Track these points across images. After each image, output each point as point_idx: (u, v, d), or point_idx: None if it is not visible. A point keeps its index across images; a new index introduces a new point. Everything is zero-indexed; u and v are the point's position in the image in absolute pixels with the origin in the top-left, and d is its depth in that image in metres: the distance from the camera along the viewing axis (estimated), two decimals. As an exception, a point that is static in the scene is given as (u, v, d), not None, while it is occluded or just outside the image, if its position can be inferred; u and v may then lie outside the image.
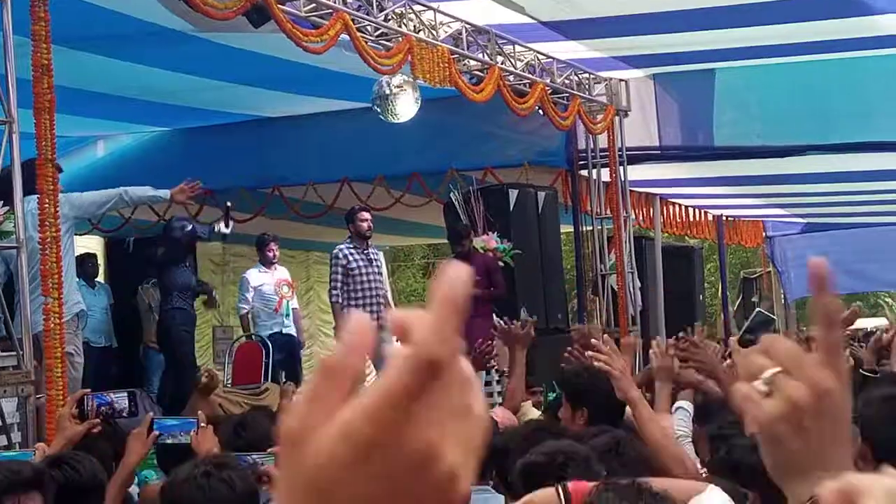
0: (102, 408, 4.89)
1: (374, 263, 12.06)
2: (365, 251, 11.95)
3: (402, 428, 0.86)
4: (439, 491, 0.88)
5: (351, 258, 11.80)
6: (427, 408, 0.86)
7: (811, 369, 1.35)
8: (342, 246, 11.94)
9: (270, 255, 13.17)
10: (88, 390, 5.19)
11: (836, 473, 1.29)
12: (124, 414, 4.97)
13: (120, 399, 4.97)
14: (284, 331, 12.99)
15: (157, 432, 4.60)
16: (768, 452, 1.40)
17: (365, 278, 11.84)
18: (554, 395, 10.92)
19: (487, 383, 11.23)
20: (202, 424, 4.70)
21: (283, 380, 11.20)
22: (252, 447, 4.75)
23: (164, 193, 9.71)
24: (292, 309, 13.32)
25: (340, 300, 11.79)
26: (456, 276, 0.87)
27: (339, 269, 11.80)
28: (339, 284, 11.80)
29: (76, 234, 9.31)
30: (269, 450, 4.60)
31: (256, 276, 13.17)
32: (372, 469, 0.86)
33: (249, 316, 13.10)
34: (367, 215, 12.08)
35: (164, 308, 11.94)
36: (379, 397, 0.86)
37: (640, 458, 5.08)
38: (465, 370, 0.89)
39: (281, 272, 13.32)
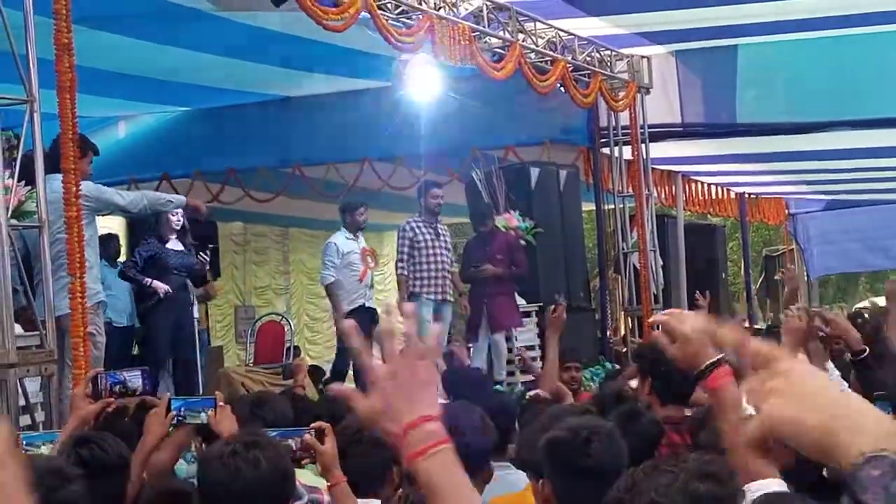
0: (116, 387, 4.88)
1: (442, 237, 12.06)
2: (433, 225, 11.95)
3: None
4: None
5: (418, 231, 11.79)
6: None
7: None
8: (410, 220, 11.92)
9: (361, 219, 12.31)
10: (101, 369, 5.19)
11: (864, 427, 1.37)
12: (138, 392, 4.95)
13: (133, 378, 4.96)
14: (367, 304, 12.12)
15: (174, 412, 4.58)
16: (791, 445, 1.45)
17: (431, 251, 11.83)
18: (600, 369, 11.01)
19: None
20: (220, 404, 4.69)
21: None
22: (269, 426, 4.75)
23: (181, 199, 9.88)
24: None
25: (406, 272, 11.76)
26: None
27: (406, 243, 11.76)
28: (405, 257, 11.75)
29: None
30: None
31: (344, 243, 12.21)
32: None
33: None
34: (439, 192, 12.03)
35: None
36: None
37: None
38: None
39: (363, 241, 12.44)
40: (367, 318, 11.62)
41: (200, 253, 11.46)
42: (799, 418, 1.40)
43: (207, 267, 11.68)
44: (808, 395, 1.40)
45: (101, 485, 3.71)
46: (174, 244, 11.17)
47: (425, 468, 1.91)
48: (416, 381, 1.96)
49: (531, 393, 7.69)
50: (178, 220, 11.13)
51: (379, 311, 11.43)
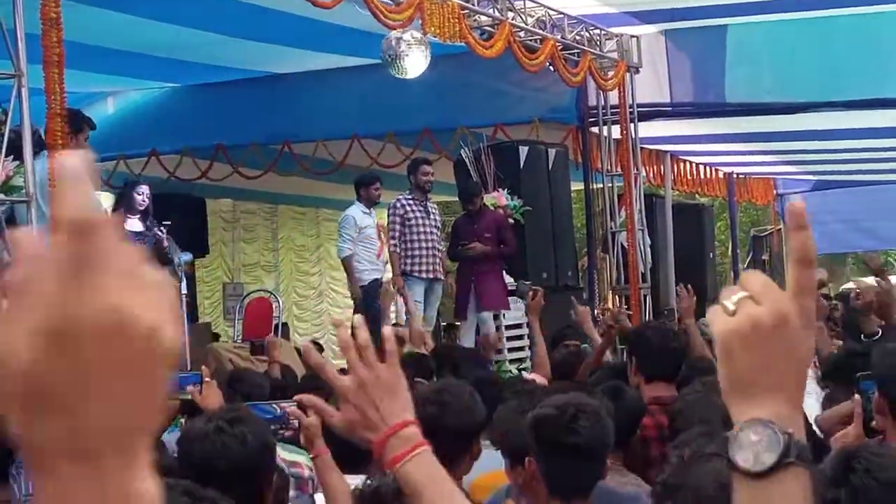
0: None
1: (432, 216, 12.06)
2: (423, 203, 11.94)
3: (79, 299, 0.85)
4: (146, 353, 0.87)
5: (409, 208, 11.75)
6: (99, 275, 0.86)
7: (775, 297, 1.43)
8: (400, 197, 11.85)
9: (376, 194, 12.10)
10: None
11: (782, 397, 1.42)
12: None
13: None
14: (383, 278, 11.93)
15: None
16: (721, 367, 1.46)
17: (422, 229, 11.81)
18: (588, 347, 10.97)
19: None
20: (206, 379, 4.70)
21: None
22: (247, 400, 4.76)
23: None
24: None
25: (398, 249, 11.71)
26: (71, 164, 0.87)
27: (397, 220, 11.69)
28: (396, 234, 11.67)
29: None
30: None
31: (361, 216, 11.98)
32: (73, 357, 0.85)
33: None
34: (429, 168, 11.98)
35: None
36: (45, 275, 0.85)
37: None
38: (122, 239, 0.88)
39: (376, 216, 12.26)
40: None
41: (156, 229, 11.18)
42: (745, 346, 1.42)
43: (165, 244, 11.40)
44: (767, 336, 1.41)
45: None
46: (133, 224, 10.92)
47: (406, 472, 2.00)
48: (383, 388, 2.04)
49: (528, 376, 7.67)
50: (143, 201, 10.93)
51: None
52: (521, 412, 4.18)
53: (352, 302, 12.10)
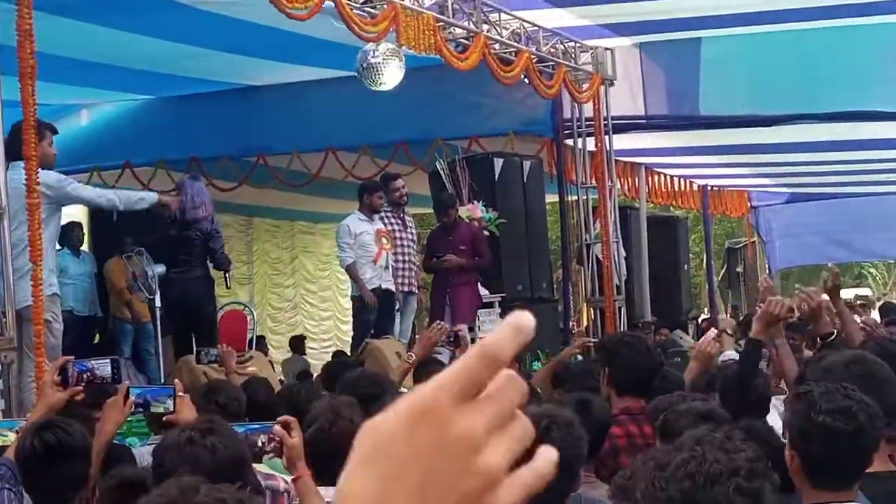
0: (84, 374, 4.86)
1: (409, 229, 12.13)
2: (400, 216, 11.98)
3: (453, 409, 0.87)
4: (471, 490, 0.88)
5: (386, 221, 11.83)
6: (481, 404, 0.88)
7: None
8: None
9: (380, 201, 11.91)
10: (71, 357, 5.16)
11: None
12: (107, 381, 4.93)
13: (102, 366, 4.95)
14: (384, 285, 11.81)
15: (133, 399, 4.57)
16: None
17: (399, 242, 11.88)
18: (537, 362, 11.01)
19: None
20: (180, 393, 4.69)
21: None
22: (224, 414, 4.74)
23: (153, 197, 9.59)
24: (391, 264, 12.04)
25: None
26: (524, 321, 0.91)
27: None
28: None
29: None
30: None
31: (356, 224, 11.83)
32: (419, 440, 0.87)
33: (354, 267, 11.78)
34: (398, 184, 12.15)
35: None
36: (442, 375, 0.88)
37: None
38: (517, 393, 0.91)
39: (379, 223, 12.02)
40: (384, 299, 11.70)
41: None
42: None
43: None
44: None
45: (65, 469, 3.71)
46: None
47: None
48: None
49: None
50: None
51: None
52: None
53: (326, 315, 12.13)
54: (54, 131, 8.57)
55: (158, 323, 10.93)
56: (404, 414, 0.88)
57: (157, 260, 10.95)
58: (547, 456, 0.92)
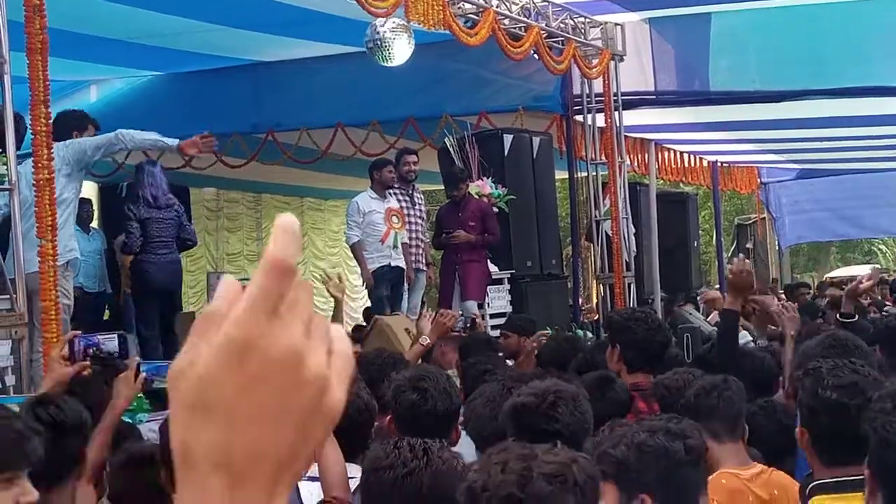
0: (90, 349, 4.87)
1: (417, 206, 12.21)
2: (409, 193, 12.09)
3: (267, 330, 0.92)
4: (310, 399, 0.94)
5: (396, 198, 11.91)
6: (288, 315, 0.93)
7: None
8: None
9: (390, 175, 11.88)
10: (79, 332, 5.17)
11: None
12: (114, 355, 4.94)
13: (108, 340, 4.95)
14: (393, 264, 11.75)
15: (144, 375, 4.58)
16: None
17: (407, 219, 11.99)
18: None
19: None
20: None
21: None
22: None
23: (173, 142, 9.45)
24: (402, 243, 11.96)
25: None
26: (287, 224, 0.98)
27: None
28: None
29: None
30: None
31: (366, 202, 11.86)
32: (247, 372, 0.92)
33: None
34: (411, 158, 12.28)
35: None
36: (243, 302, 0.93)
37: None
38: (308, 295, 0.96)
39: (392, 201, 12.02)
40: (393, 276, 11.76)
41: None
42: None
43: None
44: None
45: (59, 445, 3.71)
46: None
47: None
48: None
49: None
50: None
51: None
52: (493, 400, 4.21)
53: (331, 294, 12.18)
54: (97, 126, 8.62)
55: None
56: (223, 353, 0.92)
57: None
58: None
